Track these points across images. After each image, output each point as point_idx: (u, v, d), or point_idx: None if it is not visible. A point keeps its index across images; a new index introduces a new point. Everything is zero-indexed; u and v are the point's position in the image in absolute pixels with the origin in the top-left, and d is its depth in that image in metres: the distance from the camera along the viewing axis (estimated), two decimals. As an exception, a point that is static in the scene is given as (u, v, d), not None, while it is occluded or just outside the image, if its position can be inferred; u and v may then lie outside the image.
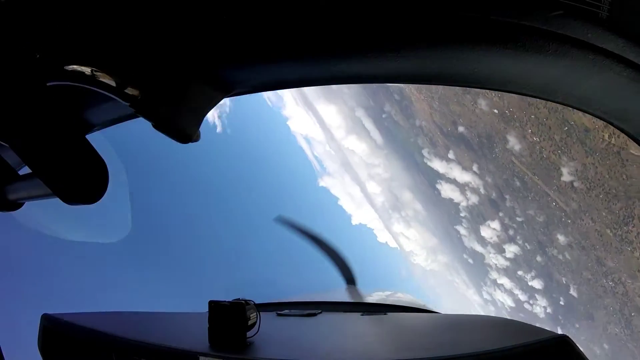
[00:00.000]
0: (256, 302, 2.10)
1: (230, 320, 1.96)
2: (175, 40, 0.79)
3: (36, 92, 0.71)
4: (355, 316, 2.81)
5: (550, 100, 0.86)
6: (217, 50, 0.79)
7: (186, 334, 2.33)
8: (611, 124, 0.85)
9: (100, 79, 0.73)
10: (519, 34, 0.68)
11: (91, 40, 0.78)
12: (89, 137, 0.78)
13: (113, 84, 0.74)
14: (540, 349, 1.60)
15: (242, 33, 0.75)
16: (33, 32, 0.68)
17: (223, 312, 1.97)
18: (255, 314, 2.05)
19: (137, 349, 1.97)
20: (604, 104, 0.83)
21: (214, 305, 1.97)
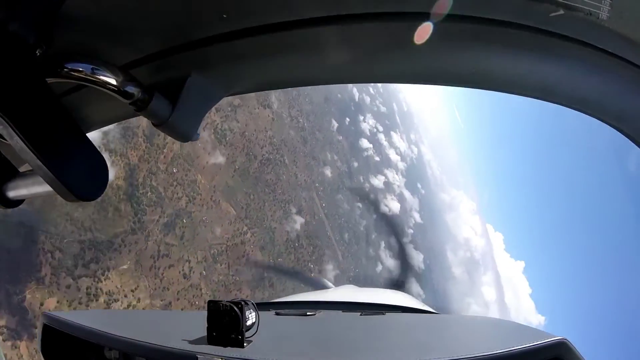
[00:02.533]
0: (255, 301, 2.10)
1: (229, 320, 1.95)
2: (175, 39, 0.80)
3: (37, 89, 0.71)
4: (354, 316, 2.81)
5: (551, 101, 0.86)
6: (216, 49, 0.79)
7: (185, 333, 2.32)
8: (610, 124, 0.85)
9: (101, 77, 0.73)
10: (519, 34, 0.67)
11: (92, 38, 0.78)
12: (89, 135, 0.78)
13: (114, 82, 0.74)
14: (539, 352, 1.60)
15: (242, 32, 0.75)
16: (34, 29, 0.69)
17: (222, 312, 1.96)
18: (254, 313, 2.04)
19: (136, 348, 1.97)
20: (603, 104, 0.83)
21: (212, 305, 1.97)
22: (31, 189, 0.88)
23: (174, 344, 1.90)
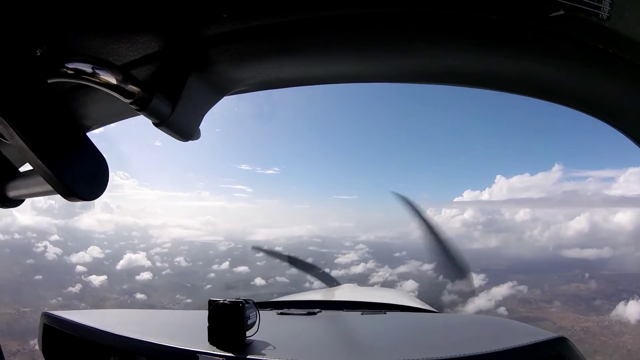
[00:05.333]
0: (256, 300, 2.11)
1: (230, 319, 1.96)
2: (176, 38, 0.80)
3: (37, 89, 0.71)
4: (355, 315, 2.82)
5: (551, 101, 0.86)
6: (217, 48, 0.80)
7: (186, 332, 2.32)
8: (611, 124, 0.85)
9: (101, 76, 0.73)
10: (519, 34, 0.68)
11: (92, 37, 0.78)
12: (89, 134, 0.79)
13: (114, 81, 0.74)
14: (539, 349, 1.60)
15: (243, 30, 0.75)
16: (34, 28, 0.69)
17: (223, 311, 1.97)
18: (255, 313, 2.05)
19: (136, 347, 1.97)
20: (604, 105, 0.84)
21: (214, 305, 1.98)
22: (32, 188, 0.88)
23: (174, 342, 1.91)
